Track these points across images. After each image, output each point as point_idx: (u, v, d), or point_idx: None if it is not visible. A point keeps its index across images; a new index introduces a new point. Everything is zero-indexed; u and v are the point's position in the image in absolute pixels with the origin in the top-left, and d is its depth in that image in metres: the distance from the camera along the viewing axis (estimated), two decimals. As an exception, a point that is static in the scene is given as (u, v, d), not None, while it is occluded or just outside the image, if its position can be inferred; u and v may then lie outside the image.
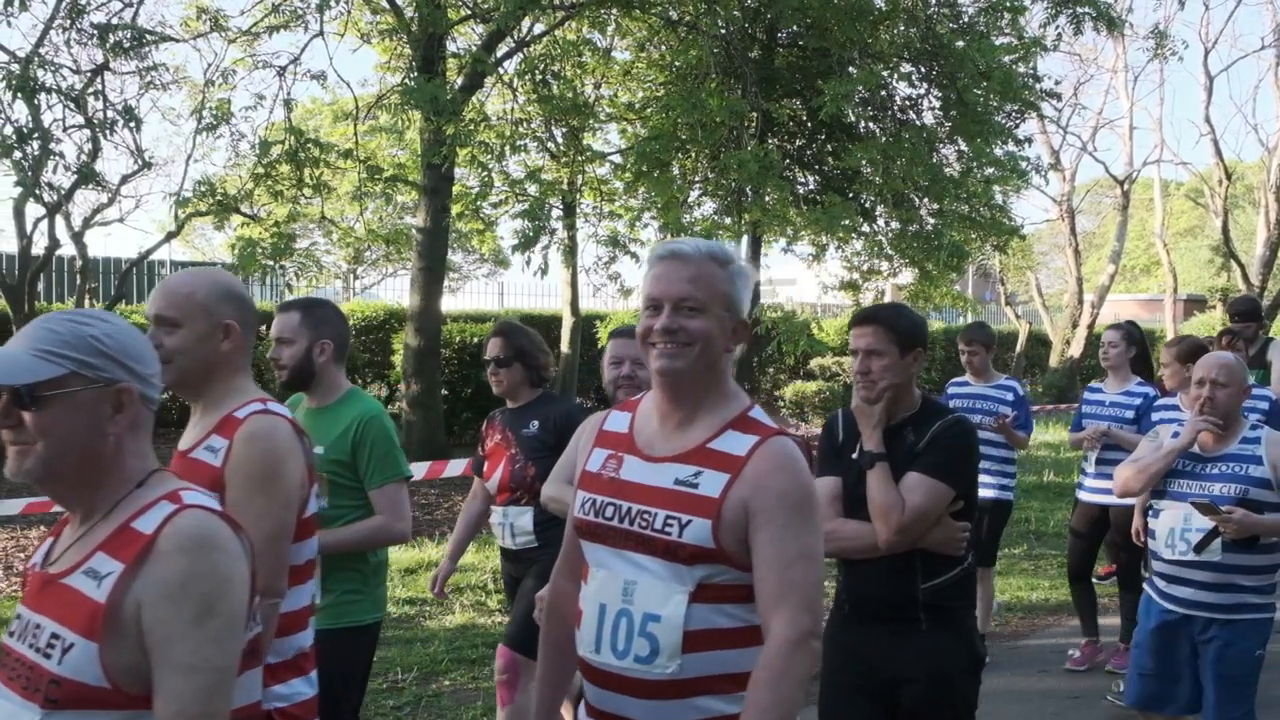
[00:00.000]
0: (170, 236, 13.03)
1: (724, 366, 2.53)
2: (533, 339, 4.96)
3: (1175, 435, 4.63)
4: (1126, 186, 31.07)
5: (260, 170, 11.82)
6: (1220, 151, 31.77)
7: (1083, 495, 7.16)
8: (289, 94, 12.36)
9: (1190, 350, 6.35)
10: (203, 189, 11.78)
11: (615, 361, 4.28)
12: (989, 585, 7.20)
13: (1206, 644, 4.45)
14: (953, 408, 7.01)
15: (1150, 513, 4.66)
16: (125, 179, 12.21)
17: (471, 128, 12.12)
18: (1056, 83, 16.79)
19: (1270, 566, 4.45)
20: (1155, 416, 6.38)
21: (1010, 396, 7.07)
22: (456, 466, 8.15)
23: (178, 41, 12.44)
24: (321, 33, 12.53)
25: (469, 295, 33.35)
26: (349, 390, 4.04)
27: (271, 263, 11.78)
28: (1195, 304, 38.60)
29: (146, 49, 11.16)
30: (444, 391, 14.16)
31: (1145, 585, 4.73)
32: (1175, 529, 4.44)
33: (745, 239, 13.74)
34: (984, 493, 6.89)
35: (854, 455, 3.59)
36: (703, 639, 2.38)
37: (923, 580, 3.50)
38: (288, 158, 11.57)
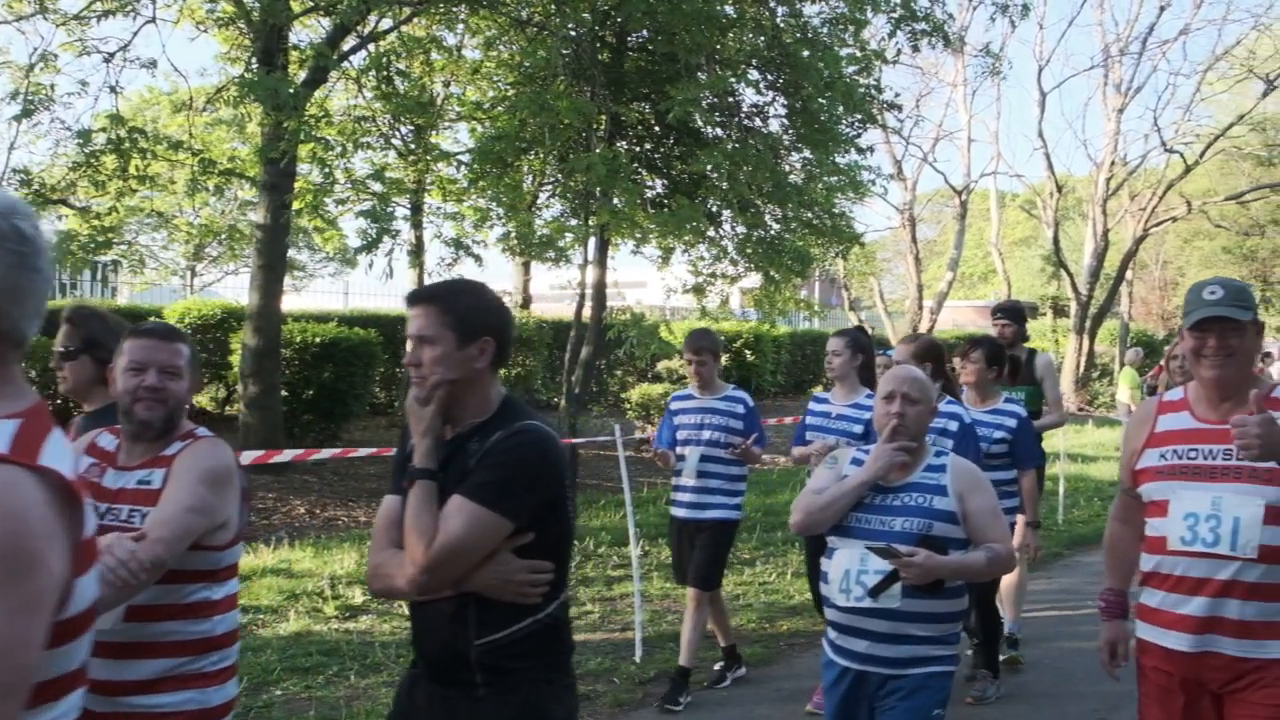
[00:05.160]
0: (-10, 229, 12.37)
1: None
2: (111, 327, 3.87)
3: (855, 461, 4.03)
4: (964, 196, 32.25)
5: (82, 160, 11.30)
6: (1052, 165, 33.36)
7: None
8: (117, 81, 11.83)
9: (926, 348, 6.03)
10: (20, 178, 11.22)
11: (135, 368, 3.23)
12: (707, 611, 6.62)
13: (881, 704, 3.82)
14: (678, 424, 6.57)
15: (825, 553, 4.02)
16: (-62, 168, 11.60)
17: (313, 123, 11.81)
18: (897, 95, 17.25)
19: (951, 614, 3.87)
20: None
21: (741, 409, 6.54)
22: (286, 453, 7.88)
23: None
24: (154, 19, 12.07)
25: (314, 294, 32.67)
26: None
27: (89, 256, 11.27)
28: (1027, 311, 40.18)
29: (-37, 30, 10.59)
30: (284, 393, 13.78)
31: (823, 639, 4.09)
32: (851, 571, 3.81)
33: (593, 240, 13.74)
34: (708, 513, 6.47)
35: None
36: None
37: (480, 634, 2.79)
38: (112, 148, 11.08)
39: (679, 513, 6.66)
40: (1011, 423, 6.47)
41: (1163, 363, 13.40)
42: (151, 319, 15.44)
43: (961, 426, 5.68)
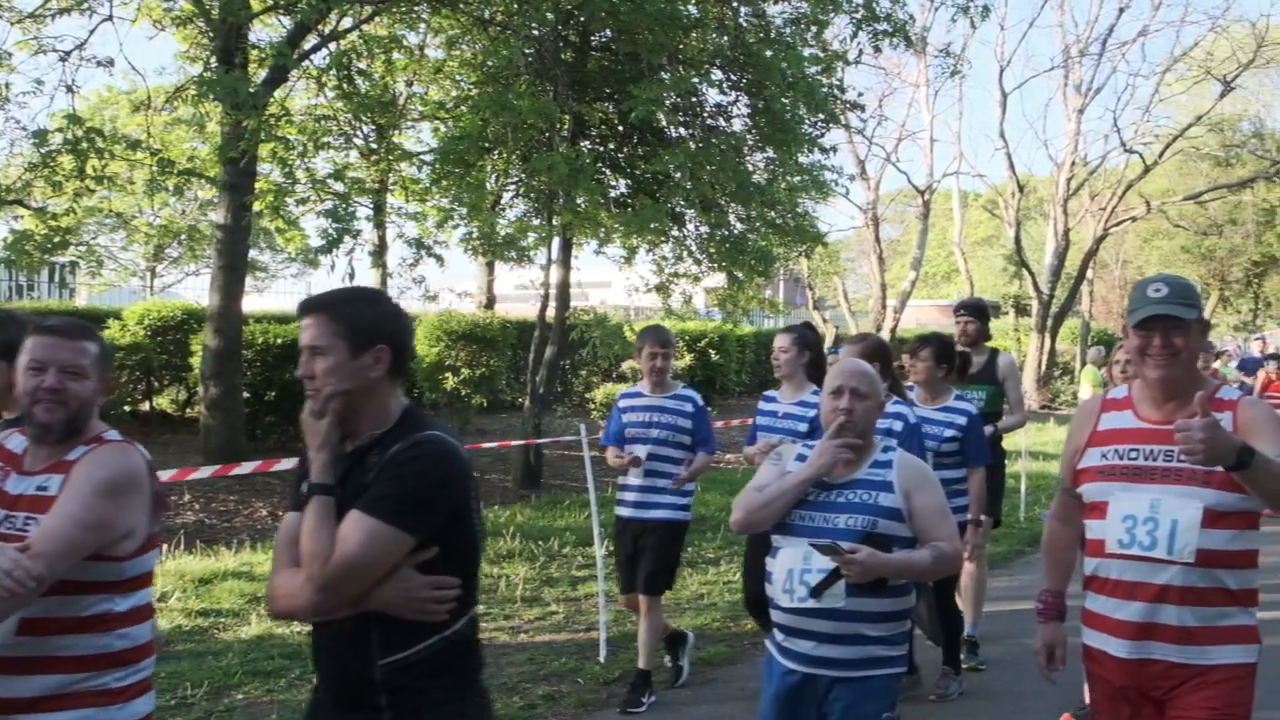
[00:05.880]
0: (-56, 230, 12.25)
1: None
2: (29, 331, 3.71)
3: (800, 457, 3.91)
4: (927, 196, 32.40)
5: (38, 160, 11.16)
6: (1013, 165, 33.55)
7: None
8: (73, 80, 11.70)
9: (873, 348, 5.83)
10: (-27, 179, 11.09)
11: (35, 367, 3.06)
12: (656, 618, 6.53)
13: (830, 708, 3.72)
14: (626, 422, 6.45)
15: (770, 553, 3.91)
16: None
17: (273, 122, 11.73)
18: (859, 95, 17.35)
19: (899, 613, 3.79)
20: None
21: (689, 408, 6.44)
22: (245, 466, 7.80)
23: (-48, 22, 11.68)
24: (110, 17, 11.94)
25: (276, 295, 32.46)
26: None
27: (46, 258, 11.13)
28: (990, 309, 40.45)
29: (-85, 28, 10.43)
30: (245, 395, 13.67)
31: (767, 641, 3.99)
32: (794, 570, 3.71)
33: (557, 240, 13.72)
34: (653, 513, 6.36)
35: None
36: None
37: (383, 654, 2.70)
38: (69, 148, 10.94)
39: (623, 512, 6.55)
40: (962, 420, 6.44)
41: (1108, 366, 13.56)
42: (110, 321, 15.29)
43: (906, 426, 5.62)
